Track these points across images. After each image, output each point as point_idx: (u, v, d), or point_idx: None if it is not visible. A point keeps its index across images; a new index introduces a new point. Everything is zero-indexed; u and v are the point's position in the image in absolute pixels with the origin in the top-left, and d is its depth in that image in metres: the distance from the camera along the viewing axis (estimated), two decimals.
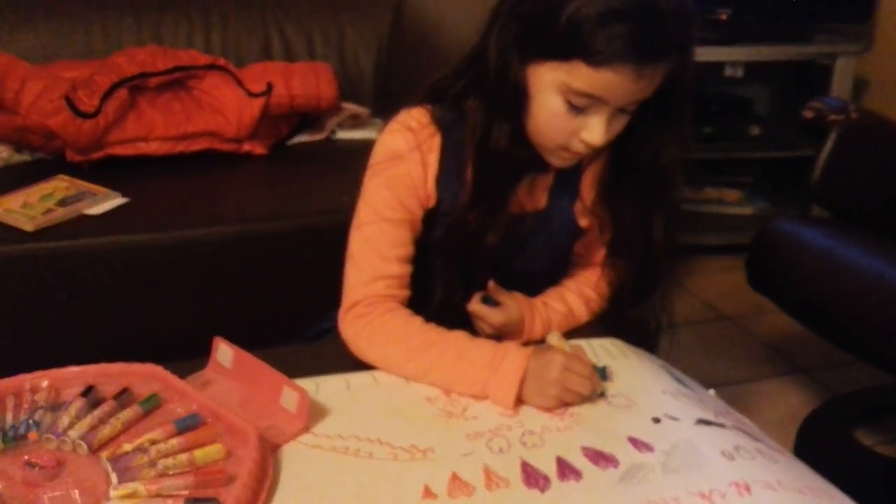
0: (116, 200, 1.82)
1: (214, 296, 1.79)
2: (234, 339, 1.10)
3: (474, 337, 1.10)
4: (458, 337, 1.09)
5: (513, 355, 1.04)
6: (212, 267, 1.78)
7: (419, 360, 1.07)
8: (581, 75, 0.99)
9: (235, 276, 1.80)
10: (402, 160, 1.12)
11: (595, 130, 1.04)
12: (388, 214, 1.13)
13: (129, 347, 1.16)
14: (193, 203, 1.87)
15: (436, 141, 1.13)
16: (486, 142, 1.08)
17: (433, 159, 1.13)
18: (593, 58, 0.97)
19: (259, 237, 1.80)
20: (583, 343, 1.14)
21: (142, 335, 1.74)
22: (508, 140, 1.08)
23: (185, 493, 0.86)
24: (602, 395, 1.05)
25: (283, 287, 1.82)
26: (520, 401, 1.03)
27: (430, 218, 1.16)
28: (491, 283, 1.18)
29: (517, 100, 1.06)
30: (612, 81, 0.99)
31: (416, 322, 1.11)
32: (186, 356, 1.11)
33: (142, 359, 1.07)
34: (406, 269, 1.15)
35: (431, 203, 1.15)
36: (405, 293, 1.15)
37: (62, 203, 1.78)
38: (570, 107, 1.03)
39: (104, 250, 1.71)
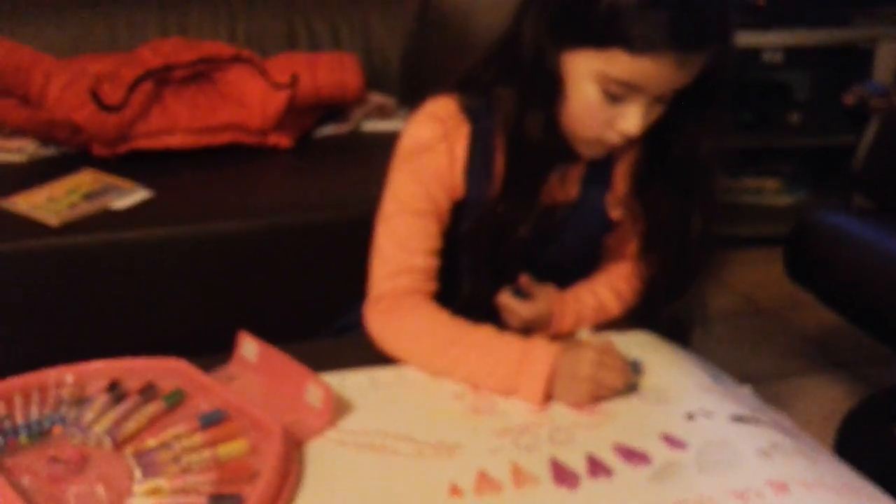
0: (142, 194, 1.82)
1: (239, 290, 1.79)
2: (259, 333, 1.09)
3: (502, 332, 1.08)
4: (486, 332, 1.07)
5: (540, 351, 1.03)
6: (237, 261, 1.78)
7: (445, 355, 1.06)
8: (620, 63, 0.97)
9: (261, 270, 1.80)
10: (429, 151, 1.11)
11: (631, 120, 1.02)
12: (415, 206, 1.11)
13: (154, 342, 1.16)
14: (219, 197, 1.88)
15: (464, 130, 1.11)
16: (519, 131, 1.07)
17: (461, 149, 1.11)
18: (633, 45, 0.95)
19: (285, 231, 1.80)
20: (614, 336, 1.12)
21: (166, 329, 1.74)
22: (542, 129, 1.06)
23: (209, 489, 0.86)
24: (634, 387, 1.04)
25: (309, 281, 1.81)
26: (548, 397, 1.02)
27: (458, 210, 1.14)
28: (524, 276, 1.16)
29: (552, 88, 1.04)
30: (652, 70, 0.97)
31: (443, 316, 1.10)
32: (211, 351, 1.11)
33: (166, 353, 1.07)
34: (433, 262, 1.13)
35: (459, 194, 1.13)
36: (432, 286, 1.13)
37: (87, 197, 1.78)
38: (606, 96, 1.01)
39: (129, 244, 1.72)
